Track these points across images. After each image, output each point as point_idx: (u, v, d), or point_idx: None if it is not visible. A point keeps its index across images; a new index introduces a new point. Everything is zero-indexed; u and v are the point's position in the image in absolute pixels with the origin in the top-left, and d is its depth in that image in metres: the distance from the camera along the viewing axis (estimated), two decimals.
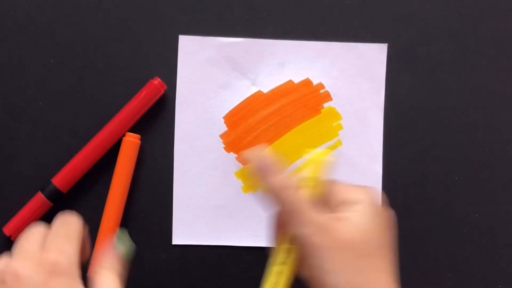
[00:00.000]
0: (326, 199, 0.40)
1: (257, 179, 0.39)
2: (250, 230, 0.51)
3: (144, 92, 0.49)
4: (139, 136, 0.49)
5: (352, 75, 0.51)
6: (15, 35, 0.50)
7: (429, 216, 0.51)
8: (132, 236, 0.50)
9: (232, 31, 0.51)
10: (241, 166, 0.51)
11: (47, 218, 0.48)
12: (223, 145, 0.51)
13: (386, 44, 0.51)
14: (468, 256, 0.51)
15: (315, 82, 0.51)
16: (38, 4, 0.50)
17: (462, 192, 0.52)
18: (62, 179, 0.49)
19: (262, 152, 0.40)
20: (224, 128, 0.51)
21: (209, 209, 0.51)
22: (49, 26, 0.50)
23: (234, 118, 0.51)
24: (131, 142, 0.49)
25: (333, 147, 0.51)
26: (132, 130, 0.50)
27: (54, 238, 0.37)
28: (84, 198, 0.50)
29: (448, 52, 0.52)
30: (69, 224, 0.38)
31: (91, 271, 0.39)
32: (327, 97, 0.51)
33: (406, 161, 0.51)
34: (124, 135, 0.49)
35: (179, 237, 0.51)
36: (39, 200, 0.49)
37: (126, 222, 0.50)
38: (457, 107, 0.52)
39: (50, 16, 0.50)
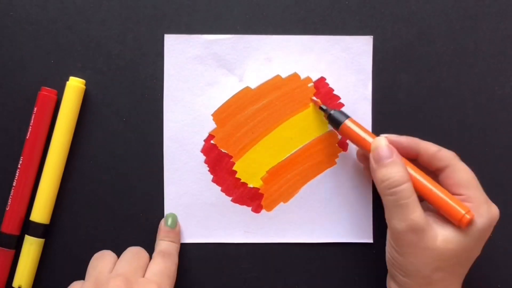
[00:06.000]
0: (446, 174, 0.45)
1: (371, 168, 0.45)
2: (241, 226, 0.51)
3: (38, 108, 0.50)
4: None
5: (339, 68, 0.51)
6: (15, 35, 0.51)
7: None
8: (124, 236, 0.51)
9: (218, 28, 0.51)
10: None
11: None
12: (213, 142, 0.51)
13: (372, 36, 0.51)
14: None
15: (302, 76, 0.51)
16: (38, 4, 0.51)
17: None
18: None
19: (382, 143, 0.45)
20: (213, 125, 0.51)
21: (200, 207, 0.51)
22: (49, 26, 0.51)
23: (223, 115, 0.51)
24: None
25: (322, 141, 0.51)
26: (119, 129, 0.51)
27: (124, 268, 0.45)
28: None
29: (448, 52, 0.52)
30: (140, 258, 0.46)
31: None
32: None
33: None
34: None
35: None
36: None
37: (118, 222, 0.51)
38: (456, 107, 0.52)
39: (50, 16, 0.51)
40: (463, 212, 0.43)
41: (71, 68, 0.51)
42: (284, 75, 0.51)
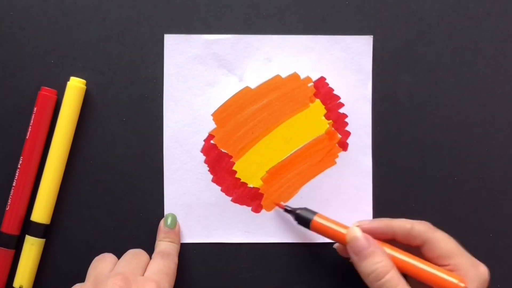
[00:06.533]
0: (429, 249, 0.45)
1: (352, 260, 0.45)
2: (241, 226, 0.51)
3: (38, 108, 0.50)
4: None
5: (339, 68, 0.51)
6: (15, 35, 0.51)
7: (425, 213, 0.51)
8: (124, 236, 0.51)
9: (218, 28, 0.51)
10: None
11: None
12: (213, 142, 0.51)
13: (372, 36, 0.51)
14: None
15: (302, 76, 0.51)
16: (38, 4, 0.51)
17: (461, 192, 0.51)
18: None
19: (357, 234, 0.45)
20: (213, 125, 0.51)
21: (200, 207, 0.51)
22: (49, 26, 0.51)
23: (223, 115, 0.51)
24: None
25: (322, 140, 0.51)
26: (119, 129, 0.51)
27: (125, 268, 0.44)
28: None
29: (448, 52, 0.51)
30: (139, 258, 0.46)
31: None
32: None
33: (404, 161, 0.51)
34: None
35: None
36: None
37: (118, 222, 0.51)
38: (456, 107, 0.51)
39: (50, 16, 0.51)
40: (455, 281, 0.43)
41: (71, 68, 0.51)
42: (284, 75, 0.51)
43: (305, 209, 0.48)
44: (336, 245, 0.49)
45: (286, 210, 0.49)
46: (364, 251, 0.44)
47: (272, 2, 0.51)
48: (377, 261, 0.43)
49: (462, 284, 0.43)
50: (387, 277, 0.42)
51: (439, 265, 0.44)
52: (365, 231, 0.45)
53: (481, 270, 0.44)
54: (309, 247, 0.51)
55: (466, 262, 0.44)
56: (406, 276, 0.44)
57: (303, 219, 0.48)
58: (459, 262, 0.44)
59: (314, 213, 0.47)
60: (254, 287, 0.51)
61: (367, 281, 0.44)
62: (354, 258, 0.45)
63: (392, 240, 0.46)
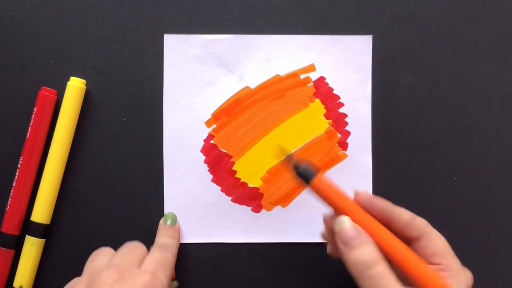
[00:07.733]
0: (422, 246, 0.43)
1: (340, 251, 0.42)
2: (241, 226, 0.51)
3: (38, 108, 0.50)
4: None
5: (339, 68, 0.51)
6: (15, 35, 0.51)
7: (425, 213, 0.50)
8: (124, 236, 0.51)
9: (218, 28, 0.51)
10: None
11: None
12: (213, 142, 0.51)
13: (371, 36, 0.51)
14: (467, 255, 0.50)
15: (302, 75, 0.51)
16: (38, 4, 0.51)
17: (461, 192, 0.51)
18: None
19: (347, 223, 0.42)
20: (213, 125, 0.51)
21: (200, 207, 0.51)
22: (49, 26, 0.51)
23: (223, 115, 0.51)
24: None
25: (322, 140, 0.51)
26: (119, 129, 0.51)
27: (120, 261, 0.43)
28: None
29: (448, 52, 0.51)
30: (135, 251, 0.45)
31: None
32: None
33: (404, 161, 0.51)
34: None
35: None
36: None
37: (118, 222, 0.51)
38: (456, 107, 0.52)
39: (50, 16, 0.51)
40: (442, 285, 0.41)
41: (71, 68, 0.51)
42: (283, 74, 0.51)
43: (308, 164, 0.42)
44: (328, 249, 0.47)
45: (287, 160, 0.43)
46: (353, 241, 0.41)
47: (272, 2, 0.51)
48: (368, 251, 0.41)
49: None
50: (378, 269, 0.40)
51: (430, 263, 0.42)
52: (363, 204, 0.43)
53: (468, 275, 0.43)
54: (309, 247, 0.51)
55: (456, 265, 0.43)
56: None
57: (304, 174, 0.42)
58: (451, 263, 0.42)
59: (316, 171, 0.42)
60: (254, 287, 0.51)
61: (355, 271, 0.41)
62: (342, 249, 0.42)
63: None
